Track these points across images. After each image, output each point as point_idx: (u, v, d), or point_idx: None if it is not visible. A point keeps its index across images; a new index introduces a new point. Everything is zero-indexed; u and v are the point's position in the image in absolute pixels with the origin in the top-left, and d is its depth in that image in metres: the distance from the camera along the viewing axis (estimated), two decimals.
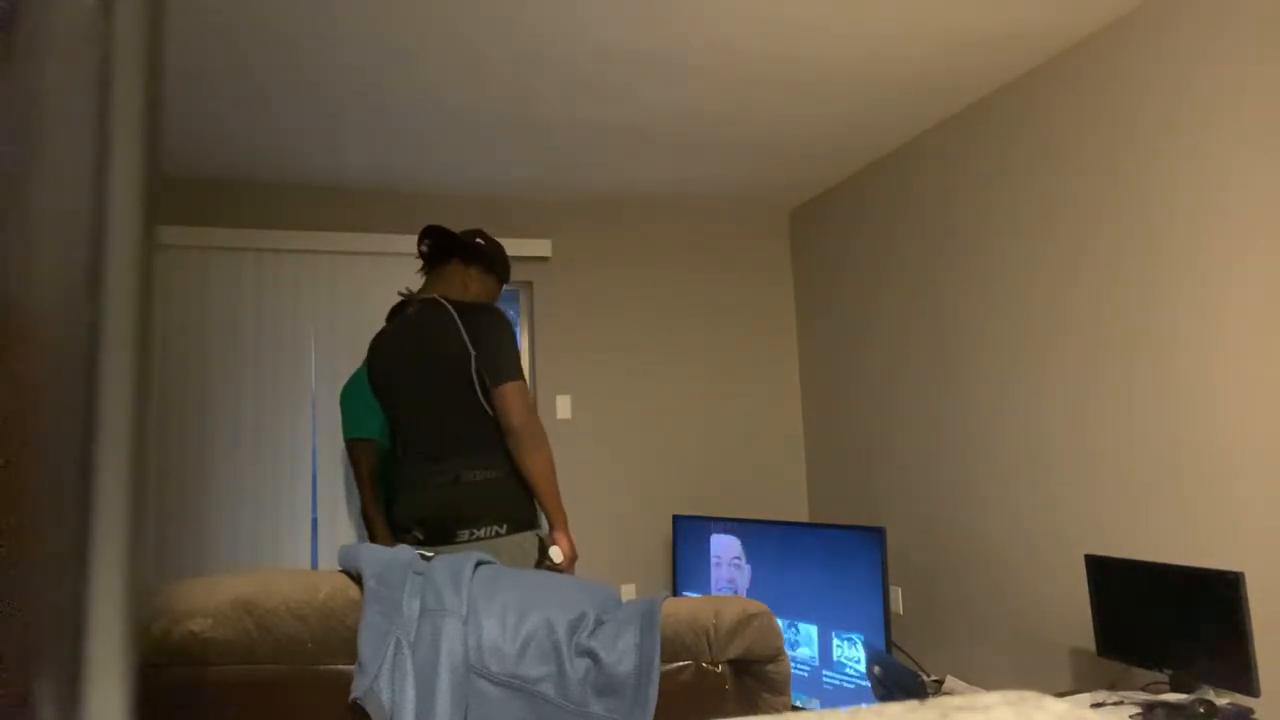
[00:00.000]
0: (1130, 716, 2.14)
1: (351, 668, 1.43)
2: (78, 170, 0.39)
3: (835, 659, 3.23)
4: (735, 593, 3.66)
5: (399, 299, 3.15)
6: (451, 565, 1.55)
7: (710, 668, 1.51)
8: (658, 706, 1.40)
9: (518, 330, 4.22)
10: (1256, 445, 2.25)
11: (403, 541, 2.31)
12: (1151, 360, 2.54)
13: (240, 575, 1.48)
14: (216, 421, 3.59)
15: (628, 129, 3.38)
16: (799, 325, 4.51)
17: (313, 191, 3.88)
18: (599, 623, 1.49)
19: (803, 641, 3.35)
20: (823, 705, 3.30)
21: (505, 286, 2.64)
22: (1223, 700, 2.14)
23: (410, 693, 1.36)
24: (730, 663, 1.53)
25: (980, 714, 0.44)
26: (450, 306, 2.29)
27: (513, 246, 3.99)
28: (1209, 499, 2.37)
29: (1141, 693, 2.38)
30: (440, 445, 2.26)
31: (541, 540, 2.27)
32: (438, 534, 2.21)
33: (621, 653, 1.42)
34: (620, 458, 4.17)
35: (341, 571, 1.55)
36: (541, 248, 4.08)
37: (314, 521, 3.68)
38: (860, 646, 3.14)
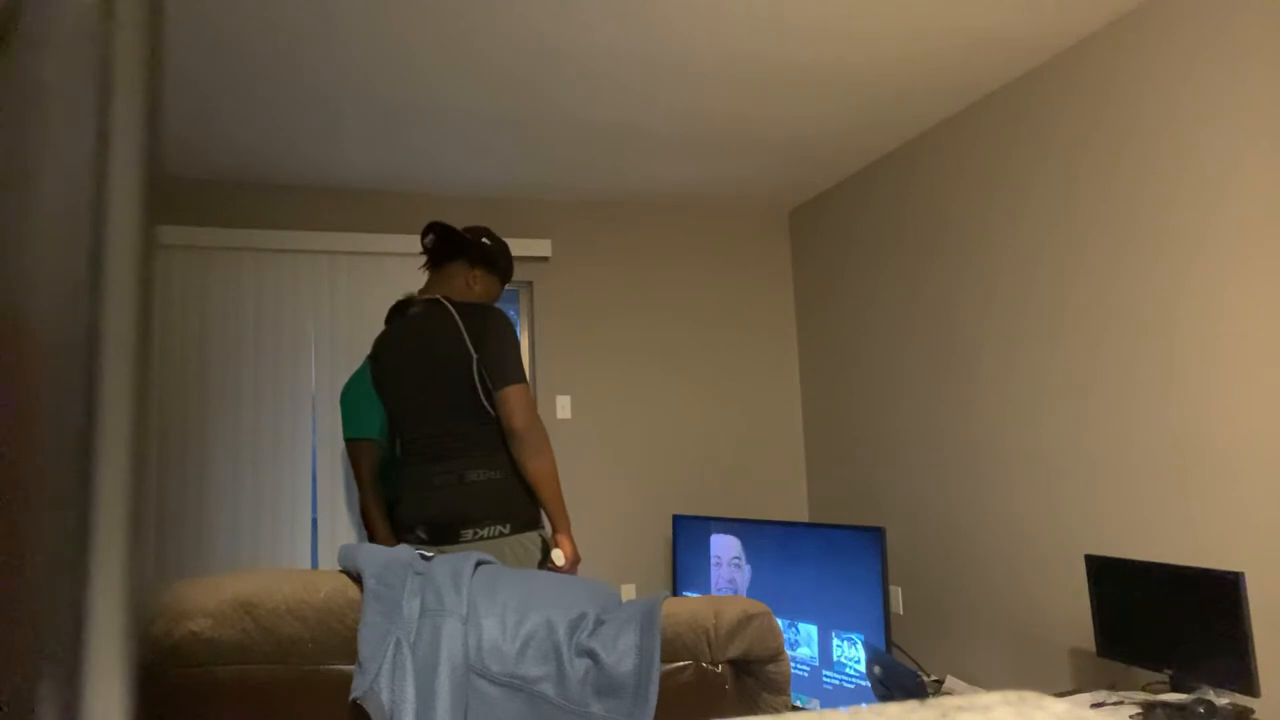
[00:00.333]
0: (1130, 716, 2.14)
1: (351, 668, 1.43)
2: (78, 170, 0.39)
3: (835, 659, 3.23)
4: (735, 593, 3.66)
5: (398, 300, 3.15)
6: (451, 565, 1.55)
7: (710, 668, 1.51)
8: (658, 706, 1.40)
9: (518, 330, 4.22)
10: (1257, 445, 2.25)
11: (406, 541, 2.32)
12: (1151, 360, 2.54)
13: (240, 575, 1.48)
14: (216, 421, 3.59)
15: (628, 129, 3.38)
16: (799, 325, 4.51)
17: (313, 191, 3.88)
18: (599, 623, 1.49)
19: (803, 641, 3.35)
20: (823, 705, 3.30)
21: (506, 286, 2.63)
22: (1223, 700, 2.14)
23: (410, 693, 1.36)
24: (730, 663, 1.53)
25: (980, 714, 0.44)
26: (453, 308, 2.28)
27: (513, 246, 3.99)
28: (1209, 499, 2.37)
29: (1141, 693, 2.38)
30: (444, 446, 2.26)
31: (545, 541, 2.27)
32: (442, 533, 2.21)
33: (622, 653, 1.42)
34: (620, 458, 4.17)
35: (341, 571, 1.55)
36: (541, 248, 4.08)
37: (314, 521, 3.68)
38: (860, 646, 3.14)
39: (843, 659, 3.20)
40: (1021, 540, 3.03)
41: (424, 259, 2.47)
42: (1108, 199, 2.69)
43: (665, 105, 3.17)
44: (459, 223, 4.04)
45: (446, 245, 2.40)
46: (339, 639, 1.44)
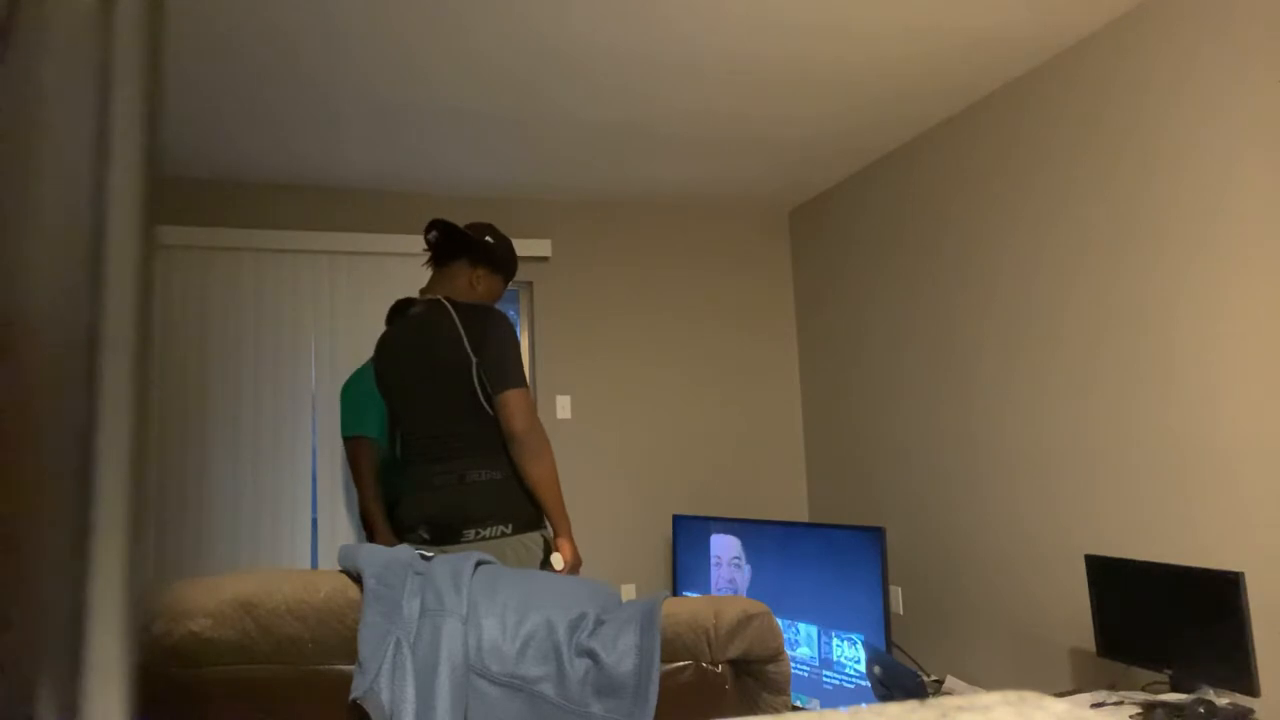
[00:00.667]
0: (1130, 716, 2.14)
1: (351, 668, 1.43)
2: (78, 170, 0.39)
3: (835, 659, 3.23)
4: (735, 593, 3.66)
5: (398, 301, 3.15)
6: (451, 565, 1.55)
7: (710, 668, 1.51)
8: (658, 706, 1.40)
9: (517, 330, 4.22)
10: (1256, 445, 2.25)
11: (408, 540, 2.31)
12: (1151, 360, 2.54)
13: (240, 575, 1.48)
14: (216, 421, 3.59)
15: (628, 129, 3.38)
16: (799, 325, 4.51)
17: (313, 191, 3.88)
18: (599, 623, 1.49)
19: (803, 641, 3.35)
20: (823, 705, 3.30)
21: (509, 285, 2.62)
22: (1223, 700, 2.14)
23: (410, 693, 1.36)
24: (730, 663, 1.53)
25: (980, 714, 0.44)
26: (453, 310, 2.28)
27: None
28: (1209, 499, 2.37)
29: (1141, 693, 2.38)
30: (445, 446, 2.26)
31: (547, 541, 2.27)
32: (444, 533, 2.22)
33: (622, 653, 1.42)
34: (620, 458, 4.17)
35: (341, 571, 1.55)
36: (541, 248, 4.08)
37: (314, 521, 3.68)
38: (860, 646, 3.14)
39: (843, 659, 3.20)
40: (1021, 540, 3.03)
41: (427, 257, 2.46)
42: (1108, 199, 2.69)
43: (665, 105, 3.17)
44: (460, 223, 4.04)
45: (449, 243, 2.39)
46: (339, 639, 1.44)
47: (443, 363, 2.25)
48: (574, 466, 4.08)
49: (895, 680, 2.53)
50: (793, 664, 3.38)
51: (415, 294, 3.57)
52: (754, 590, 3.56)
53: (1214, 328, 2.36)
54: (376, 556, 1.54)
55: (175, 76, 2.80)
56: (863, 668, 3.13)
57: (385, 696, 1.35)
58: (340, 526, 3.67)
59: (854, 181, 4.03)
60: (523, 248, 4.01)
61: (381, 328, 3.62)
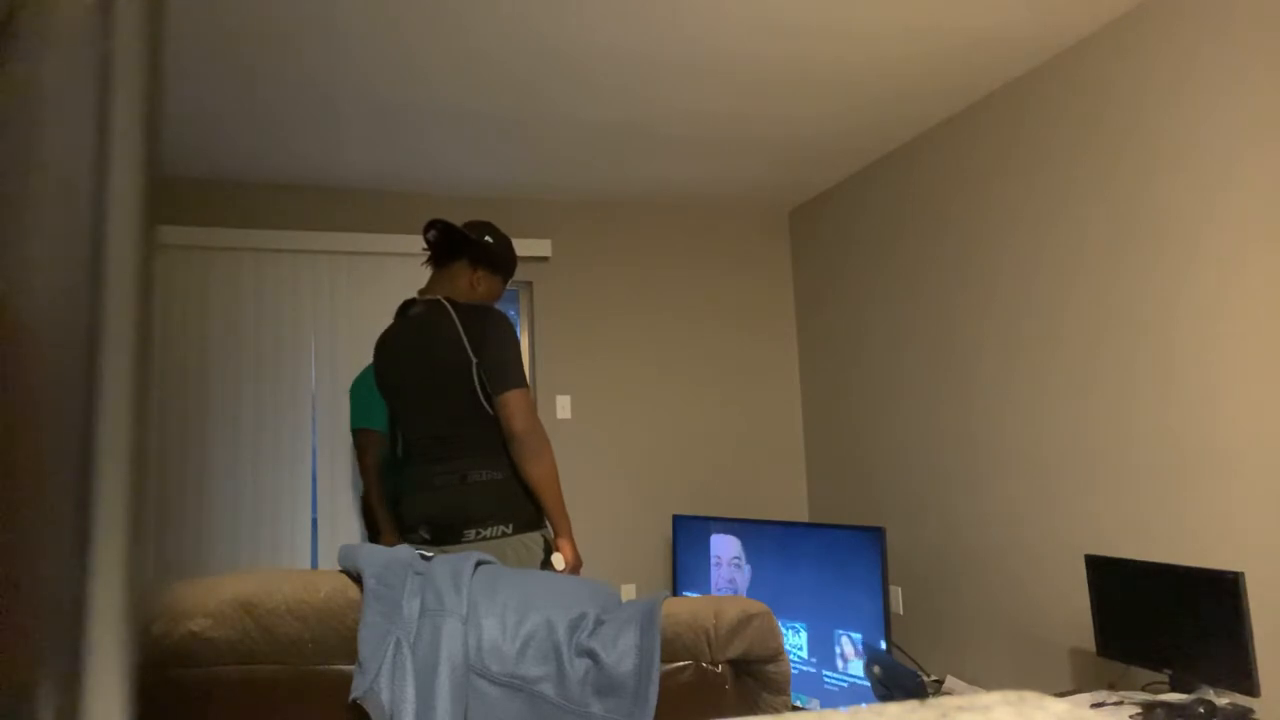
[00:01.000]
0: (1130, 716, 2.14)
1: (351, 668, 1.43)
2: (78, 170, 0.39)
3: (835, 659, 3.23)
4: (735, 593, 3.66)
5: (406, 301, 3.16)
6: (451, 565, 1.55)
7: (710, 668, 1.51)
8: (658, 706, 1.40)
9: (517, 330, 4.22)
10: (1256, 445, 2.25)
11: (409, 541, 2.32)
12: (1151, 360, 2.54)
13: (240, 575, 1.48)
14: (216, 421, 3.59)
15: (628, 129, 3.38)
16: (799, 325, 4.51)
17: (313, 191, 3.88)
18: (599, 623, 1.49)
19: (803, 641, 3.35)
20: (823, 705, 3.30)
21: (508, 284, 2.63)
22: (1223, 700, 2.14)
23: (410, 693, 1.36)
24: (730, 663, 1.53)
25: (980, 714, 0.44)
26: (453, 310, 2.28)
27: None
28: (1209, 499, 2.37)
29: (1141, 693, 2.38)
30: (445, 447, 2.27)
31: (547, 541, 2.27)
32: (444, 534, 2.22)
33: (622, 653, 1.42)
34: (620, 458, 4.17)
35: (341, 571, 1.55)
36: (541, 248, 4.08)
37: (314, 521, 3.68)
38: (860, 646, 3.14)
39: (843, 659, 3.20)
40: (1021, 540, 3.03)
41: (427, 258, 2.46)
42: (1108, 199, 2.69)
43: (665, 105, 3.17)
44: (459, 223, 4.04)
45: (449, 244, 2.39)
46: (339, 639, 1.44)
47: (443, 363, 2.25)
48: (574, 466, 4.08)
49: (895, 680, 2.53)
50: (792, 664, 3.38)
51: (416, 294, 3.57)
52: (754, 590, 3.56)
53: (1214, 328, 2.36)
54: (376, 556, 1.54)
55: (175, 76, 2.80)
56: (862, 668, 3.13)
57: (385, 696, 1.35)
58: (340, 526, 3.67)
59: (854, 181, 4.03)
60: (523, 248, 4.01)
61: (382, 327, 3.62)
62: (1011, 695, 0.47)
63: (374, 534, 3.16)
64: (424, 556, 1.62)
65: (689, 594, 3.55)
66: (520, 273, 4.10)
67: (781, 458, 4.42)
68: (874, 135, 3.56)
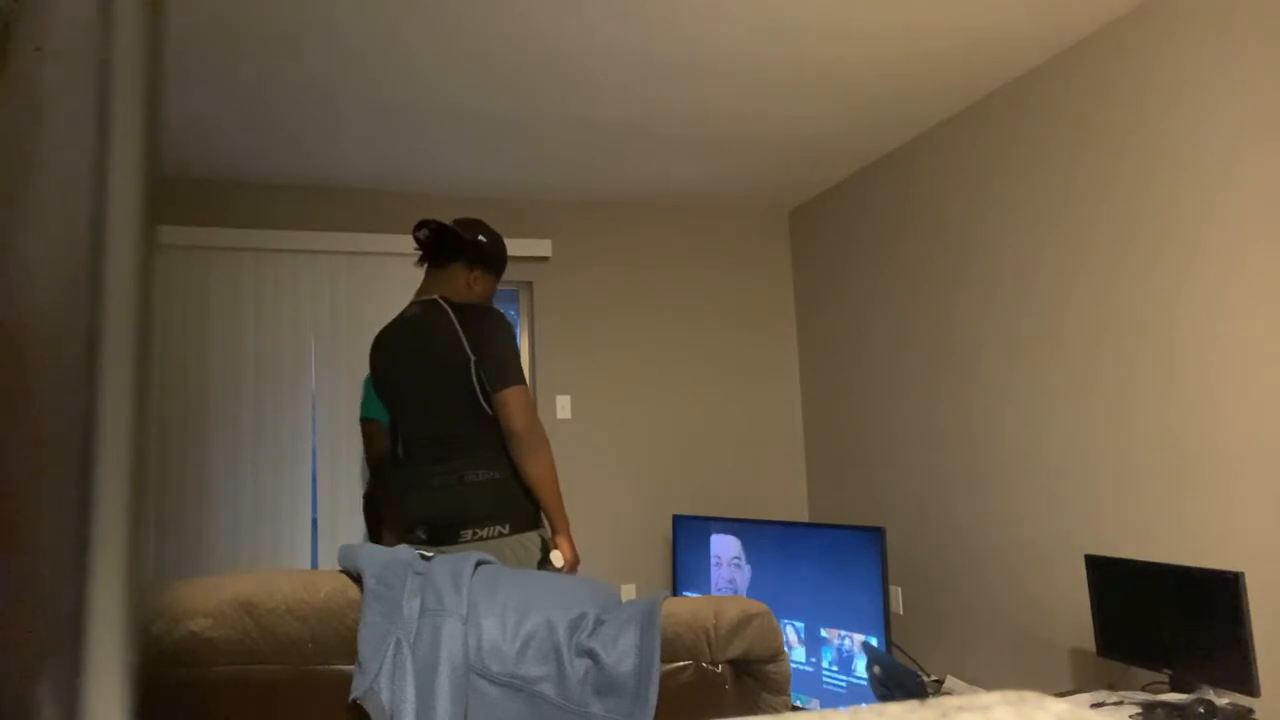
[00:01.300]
0: (1130, 716, 2.14)
1: (351, 668, 1.43)
2: (78, 170, 0.39)
3: (835, 659, 3.22)
4: (735, 593, 3.66)
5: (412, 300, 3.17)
6: (451, 565, 1.55)
7: (710, 668, 1.51)
8: (658, 706, 1.40)
9: (517, 330, 4.22)
10: (1256, 445, 2.25)
11: (406, 541, 2.32)
12: (1151, 360, 2.54)
13: (240, 575, 1.48)
14: (216, 421, 3.59)
15: (628, 129, 3.38)
16: (799, 325, 4.51)
17: (313, 191, 3.88)
18: (599, 623, 1.49)
19: (803, 641, 3.35)
20: (823, 705, 3.30)
21: (505, 285, 2.63)
22: (1223, 700, 2.14)
23: (410, 693, 1.36)
24: (730, 663, 1.53)
25: (980, 714, 0.44)
26: (451, 310, 2.29)
27: (513, 246, 3.99)
28: (1209, 499, 2.37)
29: (1141, 693, 2.38)
30: (443, 447, 2.27)
31: (545, 541, 2.27)
32: (441, 534, 2.22)
33: (622, 653, 1.42)
34: (620, 458, 4.17)
35: (341, 571, 1.55)
36: (541, 248, 4.08)
37: (314, 521, 3.68)
38: (860, 646, 3.14)
39: (843, 659, 3.20)
40: (1021, 540, 3.03)
41: (419, 258, 2.47)
42: (1108, 199, 2.69)
43: (665, 105, 3.17)
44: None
45: (444, 245, 2.40)
46: (339, 639, 1.44)
47: (442, 363, 2.25)
48: (574, 466, 4.08)
49: (895, 680, 2.53)
50: (792, 664, 3.38)
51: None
52: (754, 590, 3.56)
53: (1214, 328, 2.36)
54: (376, 556, 1.54)
55: (175, 77, 2.80)
56: (863, 668, 3.13)
57: (385, 696, 1.35)
58: (340, 526, 3.67)
59: (854, 181, 4.03)
60: (523, 248, 4.01)
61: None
62: (1011, 695, 0.47)
63: (375, 529, 3.17)
64: (424, 556, 1.62)
65: (689, 594, 3.55)
66: (520, 273, 4.10)
67: (781, 458, 4.42)
68: (874, 135, 3.56)
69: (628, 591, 4.07)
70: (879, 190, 3.85)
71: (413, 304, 2.41)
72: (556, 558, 2.23)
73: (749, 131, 3.45)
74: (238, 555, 3.54)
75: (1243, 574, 2.08)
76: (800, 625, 3.36)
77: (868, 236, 3.93)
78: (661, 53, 2.77)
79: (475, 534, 2.19)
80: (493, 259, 2.45)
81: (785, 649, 1.56)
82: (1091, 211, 2.75)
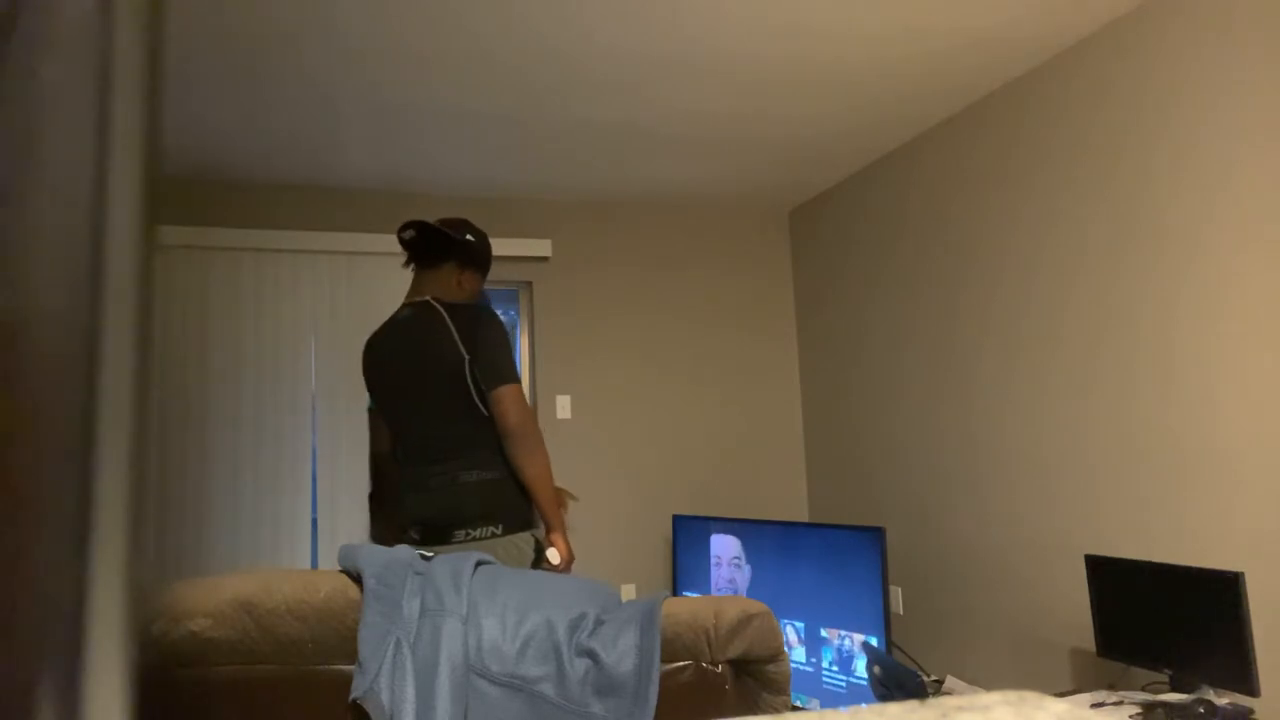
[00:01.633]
0: (1130, 716, 2.14)
1: (351, 668, 1.43)
2: (78, 170, 0.39)
3: (835, 659, 3.22)
4: (735, 593, 3.66)
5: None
6: (452, 565, 1.55)
7: (710, 668, 1.51)
8: (658, 706, 1.40)
9: (517, 330, 4.22)
10: (1256, 445, 2.25)
11: (402, 541, 2.32)
12: (1151, 360, 2.54)
13: (240, 575, 1.48)
14: (216, 421, 3.59)
15: (628, 129, 3.38)
16: (799, 325, 4.51)
17: (313, 191, 3.88)
18: (599, 623, 1.49)
19: (802, 641, 3.35)
20: (823, 705, 3.30)
21: (505, 285, 2.63)
22: (1223, 700, 2.14)
23: (410, 693, 1.36)
24: (730, 663, 1.53)
25: (980, 714, 0.44)
26: (443, 310, 2.29)
27: (513, 246, 4.00)
28: (1209, 499, 2.37)
29: (1141, 693, 2.38)
30: (438, 448, 2.27)
31: (538, 541, 2.27)
32: (434, 534, 2.22)
33: (622, 653, 1.42)
34: (620, 458, 4.17)
35: (341, 571, 1.55)
36: (541, 248, 4.08)
37: (314, 521, 3.68)
38: (860, 646, 3.14)
39: (843, 659, 3.20)
40: (1021, 540, 3.03)
41: (407, 259, 2.47)
42: (1107, 199, 2.69)
43: (665, 105, 3.17)
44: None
45: (434, 246, 2.40)
46: (339, 639, 1.44)
47: (436, 364, 2.25)
48: (574, 466, 4.08)
49: (895, 680, 2.53)
50: (792, 664, 3.38)
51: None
52: (754, 590, 3.55)
53: (1213, 328, 2.36)
54: (376, 556, 1.54)
55: (175, 76, 2.80)
56: (863, 668, 3.13)
57: (385, 696, 1.35)
58: (340, 526, 3.67)
59: (854, 181, 4.03)
60: (523, 248, 4.01)
61: None
62: (1011, 695, 0.47)
63: (376, 524, 3.18)
64: (424, 556, 1.62)
65: (689, 594, 3.55)
66: (520, 273, 4.10)
67: (781, 458, 4.42)
68: (874, 135, 3.56)
69: (628, 591, 4.07)
70: (879, 190, 3.85)
71: (404, 306, 2.41)
72: (553, 555, 2.23)
73: (749, 131, 3.45)
74: (238, 555, 3.54)
75: (1243, 574, 2.08)
76: (800, 625, 3.36)
77: (868, 236, 3.93)
78: (661, 53, 2.77)
79: (468, 534, 2.19)
80: (481, 258, 2.46)
81: (785, 649, 1.56)
82: (1091, 211, 2.75)
